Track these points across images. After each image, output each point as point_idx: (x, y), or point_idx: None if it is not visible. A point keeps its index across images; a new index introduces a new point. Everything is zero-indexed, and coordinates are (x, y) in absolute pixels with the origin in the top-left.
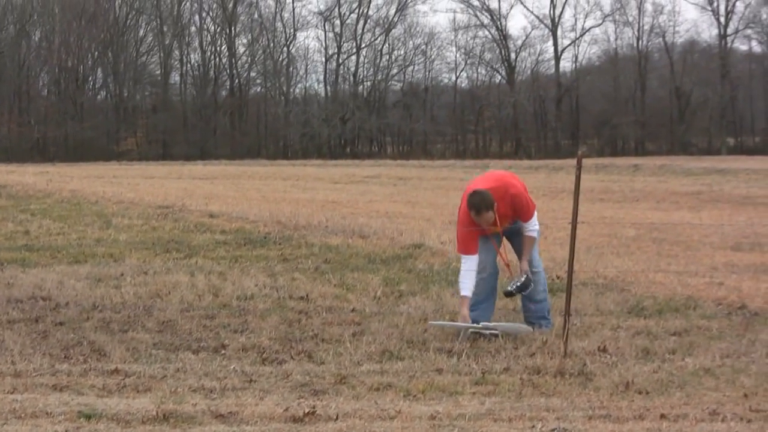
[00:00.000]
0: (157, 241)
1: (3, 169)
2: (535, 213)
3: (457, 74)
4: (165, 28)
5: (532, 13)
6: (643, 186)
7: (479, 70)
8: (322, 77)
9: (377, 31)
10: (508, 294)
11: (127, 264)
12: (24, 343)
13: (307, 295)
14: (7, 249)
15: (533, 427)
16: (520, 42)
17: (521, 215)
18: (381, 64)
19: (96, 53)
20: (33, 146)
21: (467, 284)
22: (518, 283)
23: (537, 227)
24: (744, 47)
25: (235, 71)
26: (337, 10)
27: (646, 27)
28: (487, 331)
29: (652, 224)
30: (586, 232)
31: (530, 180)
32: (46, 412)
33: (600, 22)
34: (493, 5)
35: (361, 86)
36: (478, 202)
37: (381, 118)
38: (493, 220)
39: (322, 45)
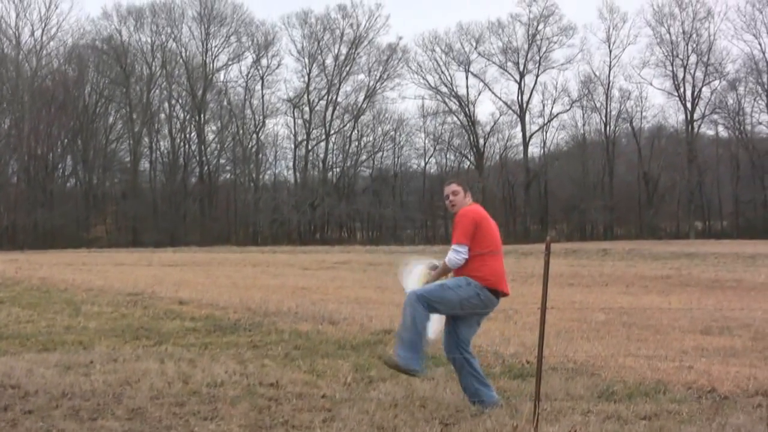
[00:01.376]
0: (126, 329)
1: None
2: (460, 248)
3: (426, 160)
4: (134, 116)
5: (500, 99)
6: (612, 270)
7: (448, 155)
8: (291, 164)
9: (346, 117)
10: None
11: (97, 351)
12: None
13: (277, 382)
14: None
15: None
16: (488, 128)
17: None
18: (350, 151)
19: (66, 141)
20: (2, 233)
21: None
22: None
23: (453, 258)
24: (711, 132)
25: (204, 158)
26: (306, 96)
27: (614, 112)
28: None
29: (621, 308)
30: (556, 317)
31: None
32: None
33: (568, 107)
34: (462, 92)
35: (330, 172)
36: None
37: (350, 204)
38: (451, 193)
39: (291, 132)
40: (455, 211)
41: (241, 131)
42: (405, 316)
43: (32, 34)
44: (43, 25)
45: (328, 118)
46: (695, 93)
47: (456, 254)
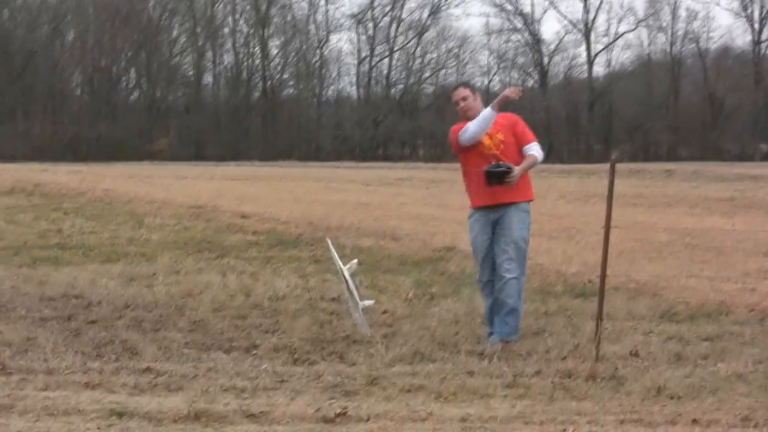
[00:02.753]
0: (189, 241)
1: (36, 168)
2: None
3: (490, 78)
4: (198, 30)
5: (565, 17)
6: (675, 191)
7: (512, 74)
8: (354, 80)
9: (410, 34)
10: (488, 175)
11: (160, 263)
12: (56, 341)
13: (338, 297)
14: (40, 248)
15: (564, 430)
16: (553, 46)
17: (524, 138)
18: (413, 68)
19: (129, 54)
20: (66, 145)
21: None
22: (502, 168)
23: (541, 152)
24: None
25: (267, 73)
26: (369, 13)
27: (680, 32)
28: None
29: (684, 229)
30: (619, 237)
31: (562, 184)
32: (78, 409)
33: (633, 27)
34: (527, 9)
35: (393, 89)
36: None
37: (413, 121)
38: (461, 99)
39: (354, 48)
40: (470, 116)
41: (304, 46)
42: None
43: None
44: None
45: (392, 34)
46: (763, 13)
47: (541, 149)
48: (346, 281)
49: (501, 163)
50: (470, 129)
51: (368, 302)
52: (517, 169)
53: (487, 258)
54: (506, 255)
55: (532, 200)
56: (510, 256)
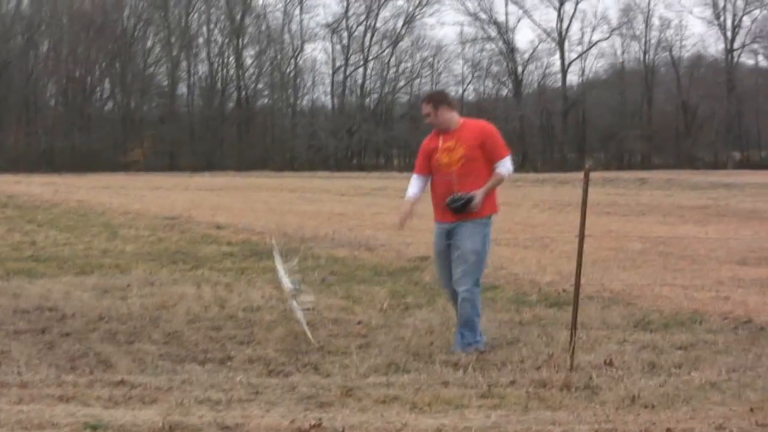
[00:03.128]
0: (163, 253)
1: (10, 180)
2: (510, 158)
3: (464, 87)
4: (173, 40)
5: (539, 26)
6: (649, 200)
7: (486, 83)
8: (329, 89)
9: (384, 43)
10: (448, 206)
11: (134, 275)
12: (30, 353)
13: (313, 308)
14: (13, 260)
15: None
16: (527, 55)
17: (494, 152)
18: (388, 77)
19: (104, 64)
20: (40, 157)
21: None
22: (461, 200)
23: (510, 168)
24: (751, 62)
25: (242, 83)
26: (344, 22)
27: (653, 41)
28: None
29: (658, 238)
30: (593, 246)
31: (536, 193)
32: (53, 423)
33: (607, 35)
34: (501, 18)
35: (368, 98)
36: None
37: (388, 131)
38: (425, 115)
39: (329, 57)
40: (439, 128)
41: (279, 56)
42: (465, 309)
43: None
44: None
45: (367, 43)
46: (735, 22)
47: (512, 164)
48: (287, 287)
49: (461, 195)
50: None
51: (308, 301)
52: (478, 194)
53: (444, 268)
54: (458, 268)
55: (494, 213)
56: (462, 269)
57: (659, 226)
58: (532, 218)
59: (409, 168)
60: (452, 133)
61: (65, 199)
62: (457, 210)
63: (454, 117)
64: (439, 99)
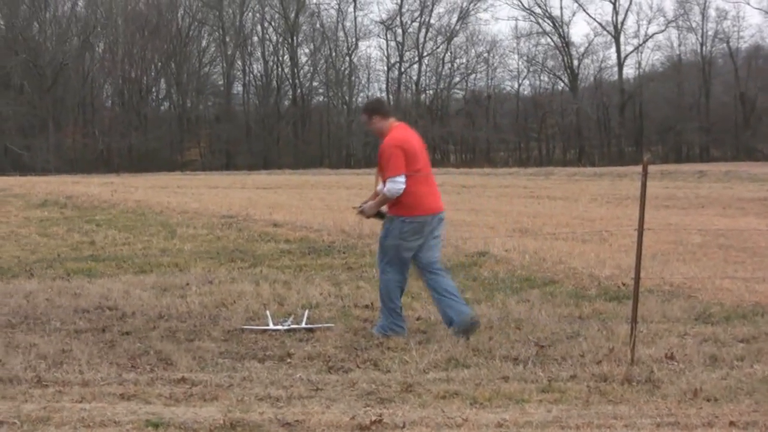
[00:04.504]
0: (221, 251)
1: (68, 180)
2: (399, 178)
3: (520, 82)
4: (227, 39)
5: (594, 20)
6: (708, 192)
7: (542, 77)
8: (384, 86)
9: (439, 39)
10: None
11: (193, 274)
12: (91, 352)
13: (372, 304)
14: (73, 259)
15: None
16: (582, 49)
17: (383, 171)
18: (443, 73)
19: (159, 64)
20: (97, 157)
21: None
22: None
23: (390, 188)
24: None
25: (297, 81)
26: (398, 19)
27: (710, 32)
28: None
29: (718, 231)
30: (652, 239)
31: (594, 187)
32: (114, 421)
33: (663, 28)
34: (556, 12)
35: (423, 95)
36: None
37: (444, 127)
38: (365, 123)
39: (384, 54)
40: (377, 134)
41: (333, 54)
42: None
43: None
44: None
45: (421, 40)
46: None
47: (395, 184)
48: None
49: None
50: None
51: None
52: (365, 207)
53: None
54: (438, 251)
55: (405, 216)
56: (378, 258)
57: (719, 218)
58: (590, 212)
59: (465, 163)
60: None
61: (123, 199)
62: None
63: (385, 126)
64: (372, 108)
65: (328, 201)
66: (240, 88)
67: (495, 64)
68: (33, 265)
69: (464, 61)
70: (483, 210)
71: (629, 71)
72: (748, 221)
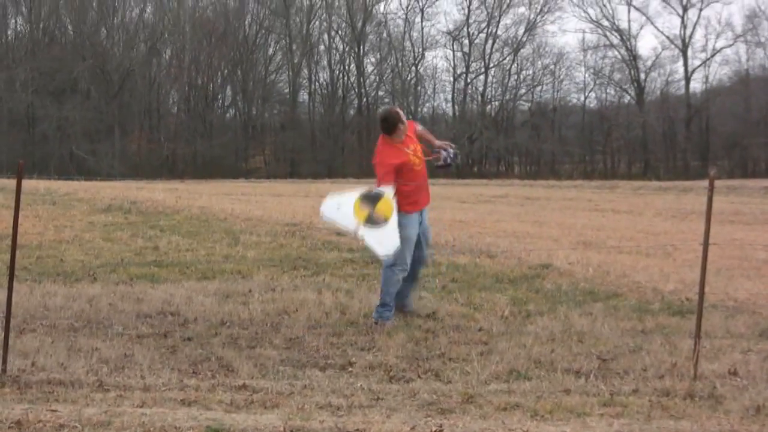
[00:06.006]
0: (284, 259)
1: (133, 186)
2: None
3: (586, 94)
4: (294, 47)
5: (662, 33)
6: None
7: (608, 90)
8: (450, 97)
9: (506, 51)
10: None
11: (255, 281)
12: (153, 357)
13: (434, 314)
14: (136, 264)
15: None
16: (649, 62)
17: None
18: (509, 84)
19: (225, 71)
20: (162, 163)
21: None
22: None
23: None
24: None
25: (363, 90)
26: (465, 29)
27: None
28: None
29: None
30: (716, 254)
31: (659, 201)
32: (175, 426)
33: (731, 42)
34: (623, 25)
35: (489, 106)
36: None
37: (509, 138)
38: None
39: (450, 64)
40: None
41: (400, 63)
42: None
43: None
44: None
45: (488, 51)
46: None
47: (381, 187)
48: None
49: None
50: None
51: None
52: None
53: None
54: (428, 247)
55: (403, 212)
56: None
57: None
58: (654, 226)
59: (529, 175)
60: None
61: (187, 206)
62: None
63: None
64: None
65: None
66: (306, 97)
67: (561, 77)
68: (96, 270)
69: (530, 72)
70: (547, 222)
71: (696, 85)
72: None
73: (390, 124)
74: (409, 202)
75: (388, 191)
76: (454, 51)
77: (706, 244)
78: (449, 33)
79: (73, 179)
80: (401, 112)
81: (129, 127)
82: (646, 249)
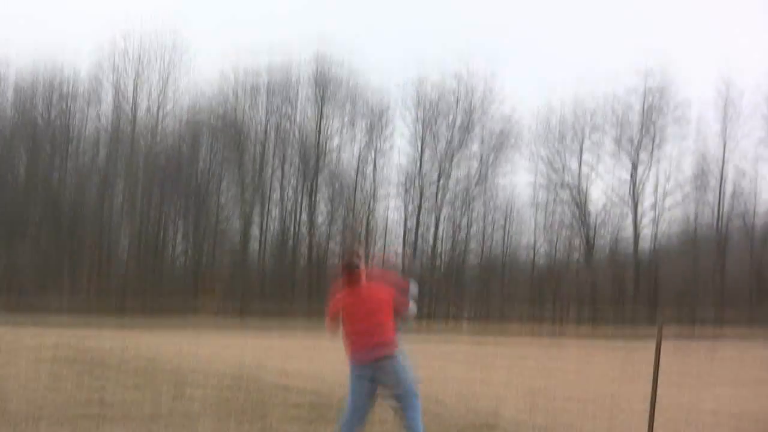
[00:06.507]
0: (231, 410)
1: (80, 334)
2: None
3: (536, 249)
4: (246, 194)
5: (612, 190)
6: (720, 368)
7: (558, 245)
8: (400, 249)
9: (457, 203)
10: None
11: (201, 431)
12: None
13: None
14: (82, 416)
15: None
16: (599, 218)
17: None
18: (459, 237)
19: (177, 216)
20: (112, 306)
21: None
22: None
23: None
24: None
25: (314, 240)
26: (416, 181)
27: (727, 206)
28: None
29: (731, 413)
30: (664, 417)
31: (608, 355)
32: None
33: (680, 200)
34: (573, 181)
35: (439, 259)
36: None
37: (458, 291)
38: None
39: (400, 215)
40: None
41: (351, 214)
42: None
43: (148, 109)
44: (159, 100)
45: (439, 203)
46: None
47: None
48: None
49: None
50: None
51: None
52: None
53: None
54: None
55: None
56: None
57: (731, 395)
58: (601, 386)
59: (478, 330)
60: None
61: (134, 356)
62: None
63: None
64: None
65: (341, 355)
66: (256, 245)
67: (512, 230)
68: (39, 422)
69: (481, 225)
70: (492, 379)
71: (645, 242)
72: (762, 403)
73: (343, 269)
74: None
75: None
76: (405, 202)
77: (653, 403)
78: (401, 184)
79: (21, 321)
80: (355, 256)
81: (79, 269)
82: (593, 410)
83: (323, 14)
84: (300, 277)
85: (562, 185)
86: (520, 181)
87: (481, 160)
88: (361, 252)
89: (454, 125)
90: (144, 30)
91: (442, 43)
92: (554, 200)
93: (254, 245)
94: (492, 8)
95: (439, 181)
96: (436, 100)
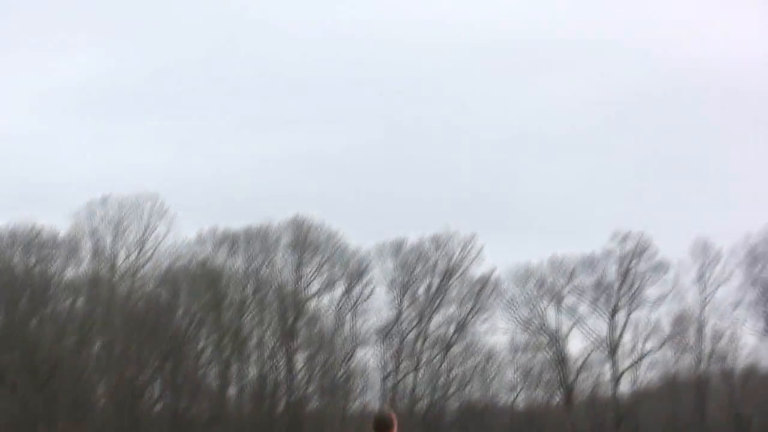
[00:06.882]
0: None
1: None
2: None
3: (515, 395)
4: (225, 341)
5: (591, 335)
6: None
7: (537, 391)
8: (379, 395)
9: (436, 349)
10: None
11: None
12: None
13: None
14: None
15: None
16: (578, 364)
17: None
18: (439, 383)
19: (155, 364)
20: None
21: None
22: None
23: None
24: None
25: (292, 386)
26: (396, 327)
27: (706, 351)
28: None
29: None
30: None
31: None
32: None
33: (659, 346)
34: (552, 327)
35: (418, 404)
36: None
37: None
38: None
39: (380, 362)
40: None
41: (330, 360)
42: None
43: (128, 257)
44: (139, 248)
45: (418, 349)
46: None
47: None
48: None
49: None
50: None
51: None
52: None
53: None
54: None
55: None
56: None
57: None
58: None
59: None
60: None
61: None
62: None
63: None
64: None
65: None
66: (234, 391)
67: (491, 376)
68: None
69: (460, 371)
70: None
71: (625, 388)
72: None
73: (382, 427)
74: None
75: None
76: (384, 349)
77: None
78: (380, 331)
79: None
80: (395, 418)
81: (55, 419)
82: None
83: (302, 175)
84: (278, 422)
85: (541, 330)
86: (499, 326)
87: (460, 305)
88: (394, 417)
89: (429, 288)
90: (122, 196)
91: (422, 203)
92: (534, 345)
93: (232, 390)
94: (471, 174)
95: (419, 326)
96: (414, 261)
